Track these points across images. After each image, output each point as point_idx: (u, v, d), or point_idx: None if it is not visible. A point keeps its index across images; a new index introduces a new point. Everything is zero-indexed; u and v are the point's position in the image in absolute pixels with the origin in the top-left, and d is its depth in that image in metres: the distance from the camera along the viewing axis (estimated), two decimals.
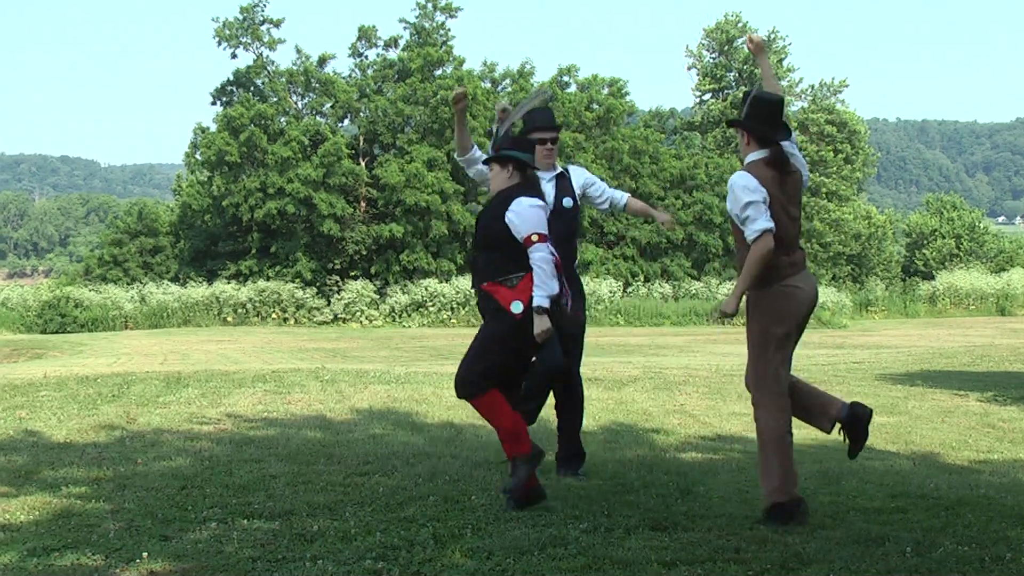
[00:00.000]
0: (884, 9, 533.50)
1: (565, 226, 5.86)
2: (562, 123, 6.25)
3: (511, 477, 5.05)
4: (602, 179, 6.67)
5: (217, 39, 38.94)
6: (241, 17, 38.91)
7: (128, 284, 36.70)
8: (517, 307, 5.00)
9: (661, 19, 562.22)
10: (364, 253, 36.78)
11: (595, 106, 40.39)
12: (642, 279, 37.44)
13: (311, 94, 39.90)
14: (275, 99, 39.16)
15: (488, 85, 41.03)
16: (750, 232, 4.79)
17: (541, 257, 4.98)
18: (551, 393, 5.93)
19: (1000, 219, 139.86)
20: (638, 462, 6.61)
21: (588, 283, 23.42)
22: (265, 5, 38.94)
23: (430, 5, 39.95)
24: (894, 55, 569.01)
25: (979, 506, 5.35)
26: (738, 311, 4.92)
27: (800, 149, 5.64)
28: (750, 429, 8.41)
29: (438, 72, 39.36)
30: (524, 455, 5.00)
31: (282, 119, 38.70)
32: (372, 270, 36.49)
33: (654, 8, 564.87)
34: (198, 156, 40.50)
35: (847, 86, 47.05)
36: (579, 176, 6.22)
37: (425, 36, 39.88)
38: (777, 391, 4.95)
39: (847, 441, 5.10)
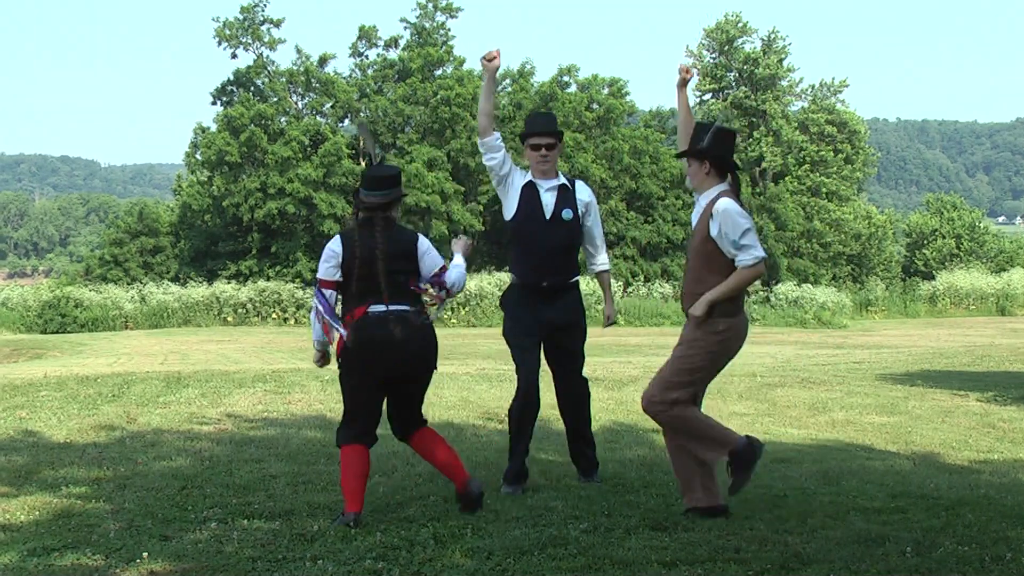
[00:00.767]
0: (884, 9, 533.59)
1: (564, 237, 5.69)
2: (561, 129, 5.98)
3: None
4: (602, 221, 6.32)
5: (217, 39, 38.96)
6: (241, 17, 38.93)
7: (128, 284, 36.69)
8: None
9: (661, 19, 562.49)
10: None
11: (595, 106, 40.39)
12: (642, 279, 37.45)
13: (311, 94, 39.91)
14: (275, 99, 39.17)
15: None
16: (750, 258, 4.88)
17: None
18: (556, 396, 5.90)
19: (1000, 219, 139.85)
20: (638, 462, 6.61)
21: (588, 283, 23.39)
22: (265, 5, 38.97)
23: (430, 5, 39.96)
24: (894, 55, 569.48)
25: (979, 506, 5.35)
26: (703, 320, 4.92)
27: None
28: (750, 429, 8.42)
29: (438, 72, 39.37)
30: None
31: (282, 119, 38.72)
32: None
33: (654, 8, 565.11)
34: (198, 156, 40.50)
35: (847, 86, 47.01)
36: (585, 194, 5.84)
37: (425, 36, 39.89)
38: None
39: (731, 477, 4.95)
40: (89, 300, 32.04)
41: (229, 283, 33.56)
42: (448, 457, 5.10)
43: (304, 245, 36.36)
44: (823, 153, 44.99)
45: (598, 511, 5.06)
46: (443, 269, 5.10)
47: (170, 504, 5.13)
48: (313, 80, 39.26)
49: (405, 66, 39.21)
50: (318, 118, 39.55)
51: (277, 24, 39.50)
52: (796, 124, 45.42)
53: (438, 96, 37.36)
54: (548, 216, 5.66)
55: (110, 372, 13.33)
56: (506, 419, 5.95)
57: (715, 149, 5.00)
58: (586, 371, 6.02)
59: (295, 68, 39.50)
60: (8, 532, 4.60)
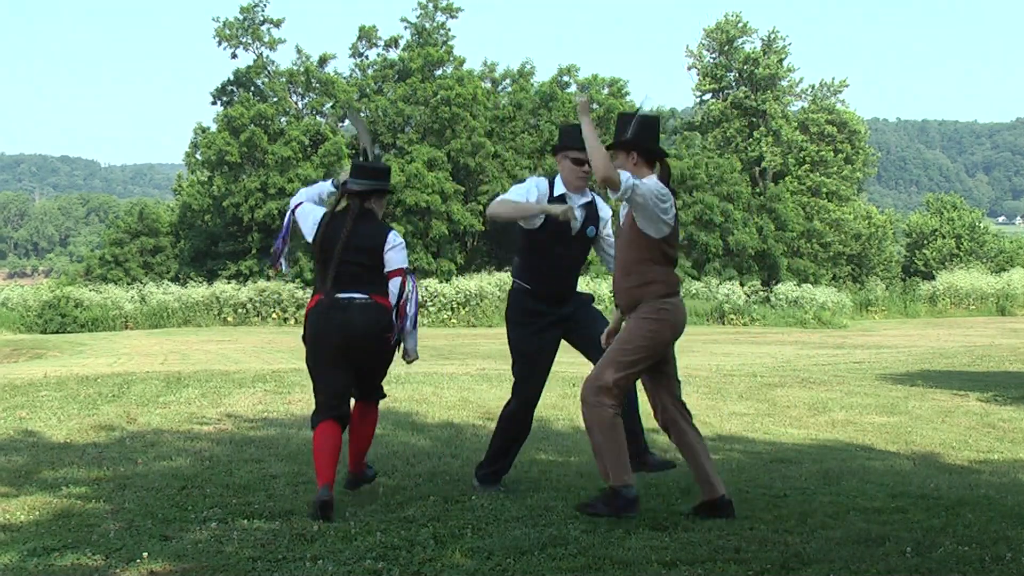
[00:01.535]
0: (884, 9, 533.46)
1: (583, 252, 5.68)
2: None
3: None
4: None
5: (217, 39, 38.97)
6: (241, 17, 38.94)
7: (128, 284, 36.70)
8: None
9: (661, 19, 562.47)
10: None
11: (595, 106, 40.40)
12: None
13: (311, 94, 39.92)
14: (275, 99, 39.17)
15: (488, 85, 41.05)
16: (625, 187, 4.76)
17: None
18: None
19: (1000, 219, 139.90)
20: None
21: (588, 283, 23.42)
22: (265, 5, 38.99)
23: (431, 5, 39.96)
24: (894, 55, 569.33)
25: (979, 506, 5.35)
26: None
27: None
28: (750, 429, 8.42)
29: (438, 72, 39.37)
30: None
31: (282, 119, 38.72)
32: None
33: (654, 8, 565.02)
34: (198, 156, 40.52)
35: (847, 86, 47.03)
36: (605, 211, 5.75)
37: (426, 36, 39.90)
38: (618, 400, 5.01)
39: (595, 501, 4.93)
40: (89, 300, 32.05)
41: (229, 283, 33.55)
42: (360, 442, 5.36)
43: (304, 245, 36.36)
44: (823, 153, 45.00)
45: None
46: (400, 272, 5.15)
47: (170, 504, 5.13)
48: (313, 80, 39.27)
49: (405, 66, 39.21)
50: (318, 118, 39.56)
51: (277, 24, 39.52)
52: (796, 124, 45.42)
53: (438, 96, 37.36)
54: (575, 232, 5.57)
55: (110, 372, 13.33)
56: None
57: (640, 139, 4.96)
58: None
59: (295, 68, 39.51)
60: (8, 532, 4.59)
